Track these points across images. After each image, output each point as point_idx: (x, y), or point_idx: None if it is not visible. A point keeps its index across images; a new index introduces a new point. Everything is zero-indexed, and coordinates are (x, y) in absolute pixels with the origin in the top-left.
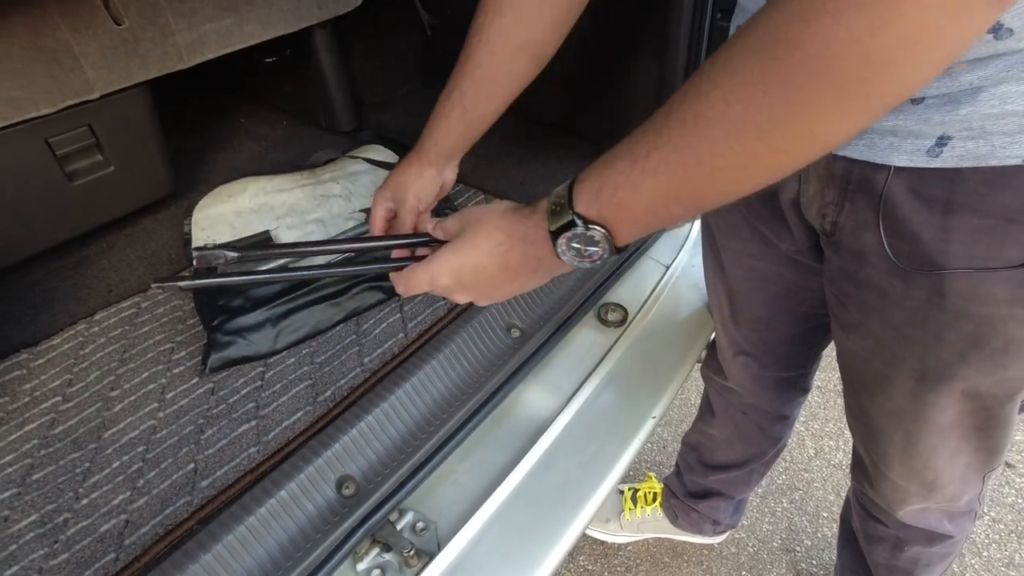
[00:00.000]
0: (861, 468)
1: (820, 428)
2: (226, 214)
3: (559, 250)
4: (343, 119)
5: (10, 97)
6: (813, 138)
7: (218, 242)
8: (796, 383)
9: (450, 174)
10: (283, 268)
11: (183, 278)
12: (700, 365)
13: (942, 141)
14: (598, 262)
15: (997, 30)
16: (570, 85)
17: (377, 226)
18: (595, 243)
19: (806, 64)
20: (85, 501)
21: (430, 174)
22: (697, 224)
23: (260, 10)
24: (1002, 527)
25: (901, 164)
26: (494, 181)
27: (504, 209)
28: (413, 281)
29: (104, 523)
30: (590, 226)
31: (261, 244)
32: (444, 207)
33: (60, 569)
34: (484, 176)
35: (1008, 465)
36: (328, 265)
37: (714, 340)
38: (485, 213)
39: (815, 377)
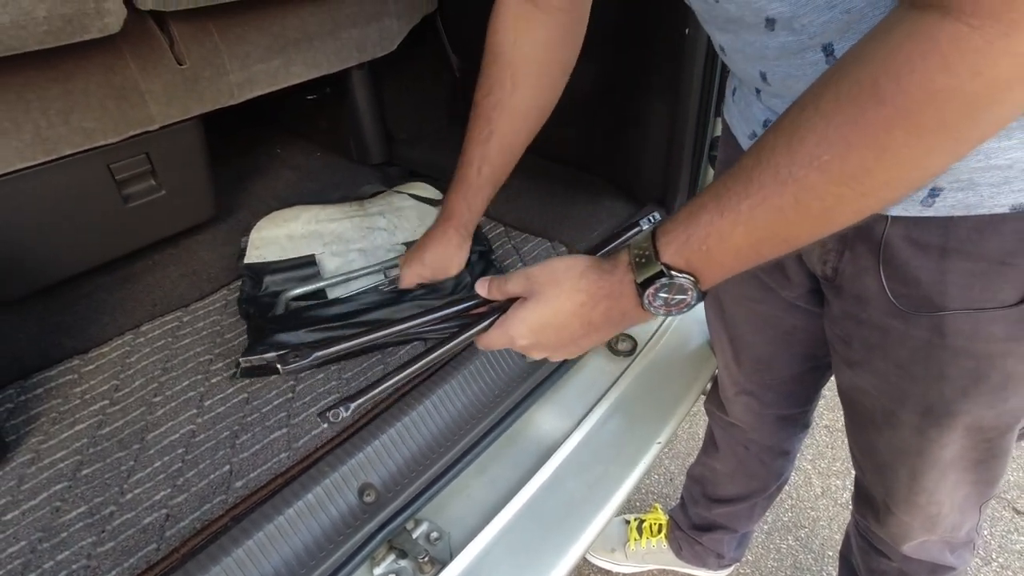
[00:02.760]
0: (867, 503)
1: (827, 467)
2: (279, 237)
3: (646, 301)
4: (374, 152)
5: (83, 128)
6: (903, 181)
7: (267, 259)
8: (797, 420)
9: (468, 245)
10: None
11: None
12: (704, 399)
13: (934, 192)
14: (685, 309)
15: None
16: (587, 126)
17: (407, 285)
18: (684, 291)
19: (901, 113)
20: (129, 496)
21: (466, 245)
22: None
23: (306, 53)
24: (1010, 574)
25: (898, 214)
26: (514, 215)
27: (584, 267)
28: (492, 342)
29: (147, 516)
30: (678, 275)
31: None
32: None
33: (107, 556)
34: (504, 211)
35: (1017, 512)
36: (408, 328)
37: (717, 376)
38: (561, 273)
39: (823, 417)
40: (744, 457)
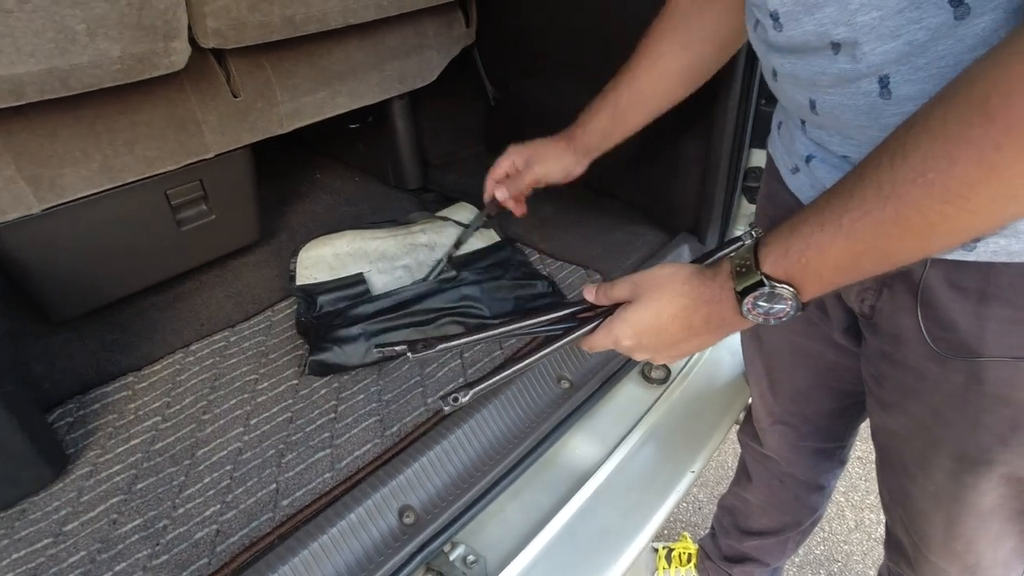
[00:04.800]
0: (898, 549)
1: (860, 500)
2: (326, 255)
3: (744, 309)
4: (410, 178)
5: (145, 157)
6: (1009, 201)
7: (317, 279)
8: (834, 454)
9: (579, 169)
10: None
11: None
12: (737, 429)
13: (976, 238)
14: (784, 319)
15: None
16: (622, 156)
17: (497, 171)
18: (783, 301)
19: (1010, 131)
20: (181, 510)
21: (569, 158)
22: None
23: (350, 85)
24: None
25: (938, 256)
26: (549, 242)
27: (687, 274)
28: (597, 342)
29: (198, 531)
30: (778, 285)
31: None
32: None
33: (162, 568)
34: (538, 238)
35: None
36: (521, 328)
37: (751, 406)
38: (665, 278)
39: (856, 448)
40: (778, 490)
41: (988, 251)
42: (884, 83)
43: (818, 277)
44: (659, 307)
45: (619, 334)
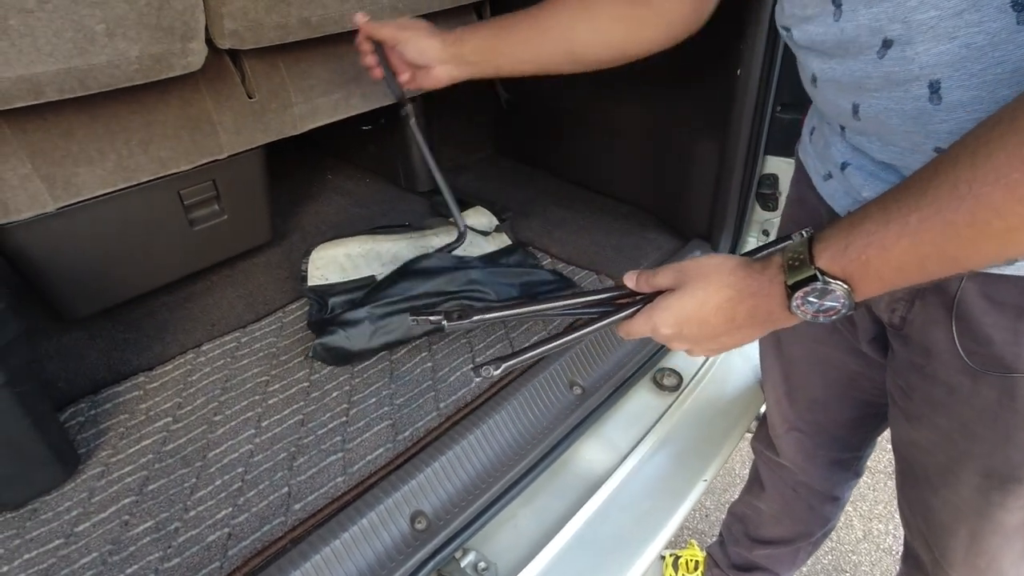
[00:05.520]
0: (916, 563)
1: (869, 510)
2: (338, 256)
3: (794, 304)
4: (421, 180)
5: (159, 157)
6: None
7: (329, 280)
8: (849, 465)
9: (439, 66)
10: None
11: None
12: (751, 437)
13: None
14: (834, 317)
15: None
16: (636, 161)
17: (363, 45)
18: (837, 298)
19: None
20: (193, 512)
21: (432, 43)
22: None
23: (364, 86)
24: None
25: (976, 269)
26: (560, 247)
27: (734, 264)
28: (635, 329)
29: (210, 534)
30: (832, 282)
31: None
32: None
33: (173, 571)
34: (550, 242)
35: None
36: (558, 307)
37: (765, 414)
38: (711, 268)
39: None
40: (791, 499)
41: None
42: (935, 88)
43: (878, 276)
44: (704, 297)
45: (659, 321)
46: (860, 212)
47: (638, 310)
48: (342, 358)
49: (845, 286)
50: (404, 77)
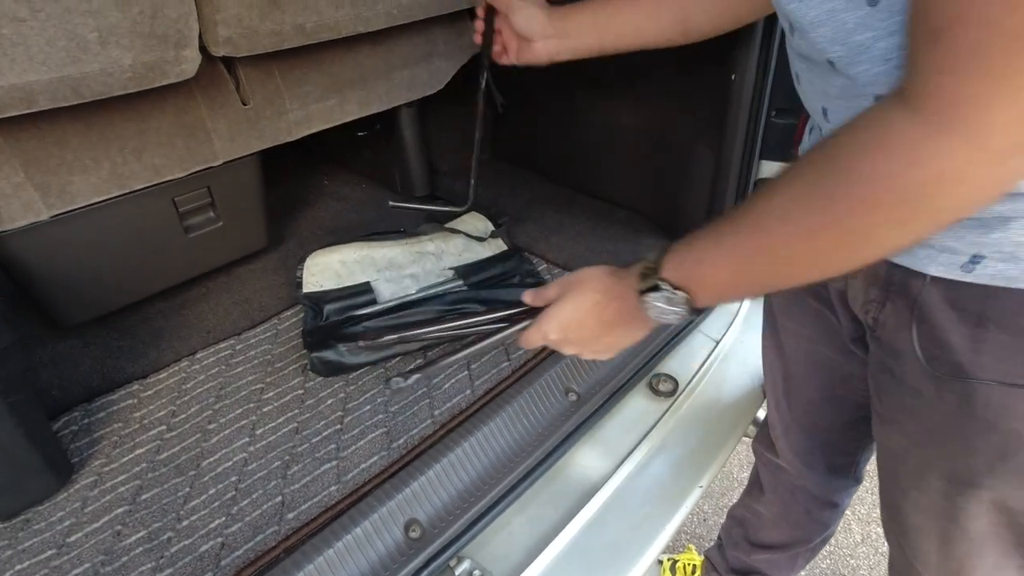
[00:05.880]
0: (896, 569)
1: (867, 514)
2: (332, 262)
3: (644, 307)
4: (418, 185)
5: (154, 164)
6: (852, 249)
7: (324, 287)
8: (847, 471)
9: (539, 46)
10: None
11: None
12: (751, 440)
13: (975, 259)
14: (678, 320)
15: None
16: (633, 166)
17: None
18: (677, 303)
19: (848, 188)
20: (186, 522)
21: (540, 16)
22: (747, 301)
23: (360, 92)
24: None
25: (937, 274)
26: (556, 251)
27: (602, 273)
28: (530, 338)
29: (203, 544)
30: (674, 290)
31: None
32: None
33: None
34: (546, 247)
35: None
36: (455, 326)
37: (767, 416)
38: (584, 276)
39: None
40: (790, 503)
41: (987, 274)
42: (880, 100)
43: (709, 288)
44: (578, 302)
45: (547, 329)
46: (702, 230)
47: (532, 322)
48: (338, 370)
49: (684, 294)
50: (510, 49)
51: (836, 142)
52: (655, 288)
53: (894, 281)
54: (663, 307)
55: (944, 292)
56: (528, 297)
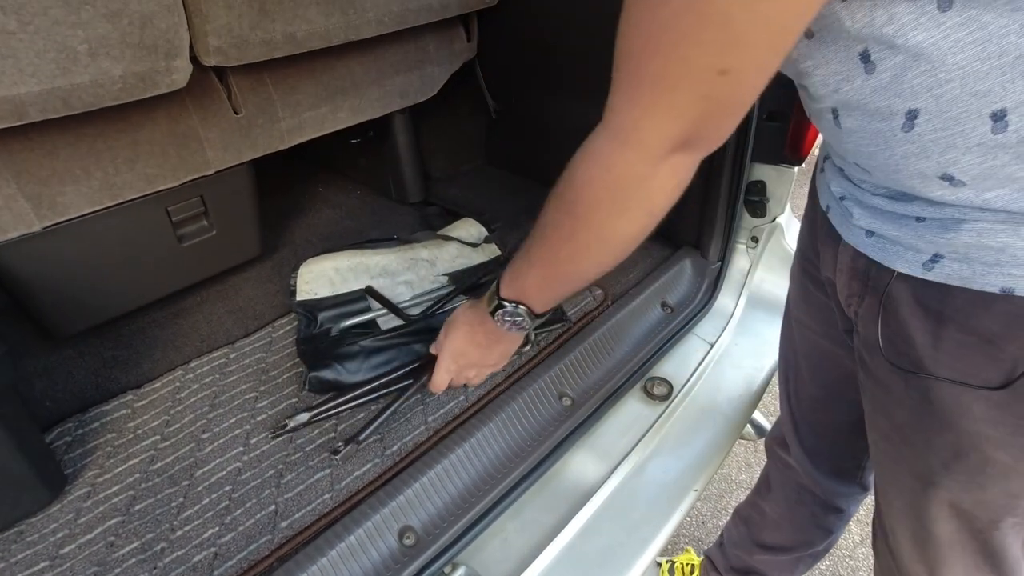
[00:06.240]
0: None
1: (867, 514)
2: (326, 269)
3: (499, 323)
4: (412, 192)
5: (146, 174)
6: (605, 242)
7: (318, 295)
8: (853, 476)
9: None
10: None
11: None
12: (765, 437)
13: (935, 258)
14: (529, 327)
15: (951, 179)
16: None
17: None
18: (518, 314)
19: (578, 192)
20: (179, 533)
21: None
22: (742, 303)
23: (352, 100)
24: None
25: (903, 271)
26: None
27: (467, 306)
28: (437, 381)
29: (196, 554)
30: (513, 305)
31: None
32: None
33: None
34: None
35: None
36: (382, 384)
37: (779, 416)
38: (454, 315)
39: None
40: (795, 505)
41: (944, 273)
42: (836, 115)
43: (534, 296)
44: (455, 335)
45: (444, 367)
46: (521, 247)
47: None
48: (335, 389)
49: (522, 306)
50: None
51: (572, 159)
52: (500, 307)
53: (871, 276)
54: (511, 320)
55: (911, 289)
56: (433, 349)
